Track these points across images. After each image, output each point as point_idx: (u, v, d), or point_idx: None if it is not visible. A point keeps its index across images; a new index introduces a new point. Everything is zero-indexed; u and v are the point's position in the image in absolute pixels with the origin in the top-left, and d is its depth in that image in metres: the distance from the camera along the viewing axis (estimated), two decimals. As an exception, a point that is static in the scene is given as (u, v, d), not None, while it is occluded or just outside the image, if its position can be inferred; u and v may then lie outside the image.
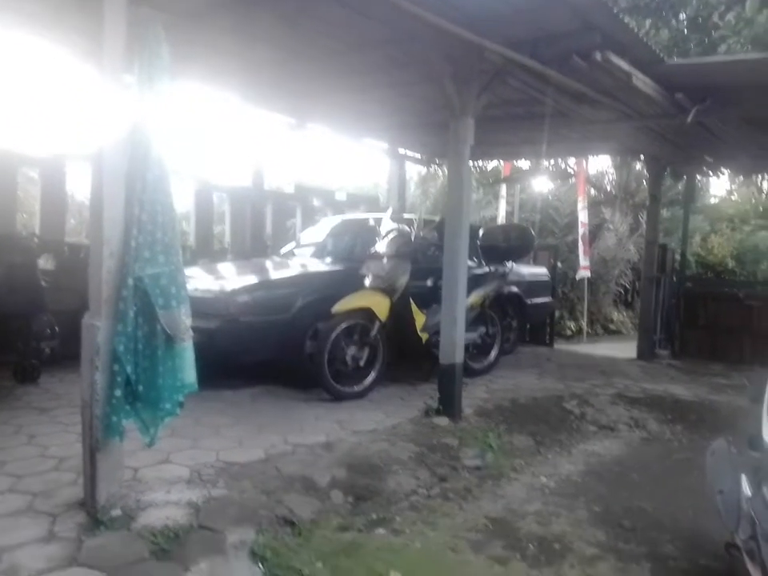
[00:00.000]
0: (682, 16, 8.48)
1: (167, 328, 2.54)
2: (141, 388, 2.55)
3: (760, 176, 14.61)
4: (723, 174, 8.64)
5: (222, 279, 4.95)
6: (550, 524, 2.99)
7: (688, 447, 4.27)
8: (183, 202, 7.25)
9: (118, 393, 2.46)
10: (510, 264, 6.07)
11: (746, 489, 2.04)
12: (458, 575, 2.49)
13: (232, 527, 2.59)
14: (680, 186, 10.13)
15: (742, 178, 11.62)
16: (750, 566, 1.95)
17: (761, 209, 14.88)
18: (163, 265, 2.54)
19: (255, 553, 2.48)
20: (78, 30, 4.00)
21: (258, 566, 2.43)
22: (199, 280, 4.87)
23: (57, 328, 4.83)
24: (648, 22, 7.41)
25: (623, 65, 4.10)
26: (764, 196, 15.43)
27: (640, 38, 4.18)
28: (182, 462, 3.16)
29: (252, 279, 4.91)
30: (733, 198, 16.94)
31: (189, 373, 2.67)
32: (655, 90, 4.58)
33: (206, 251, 7.04)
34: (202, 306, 4.28)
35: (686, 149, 6.53)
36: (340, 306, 4.50)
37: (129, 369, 2.47)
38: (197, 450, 3.37)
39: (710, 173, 8.40)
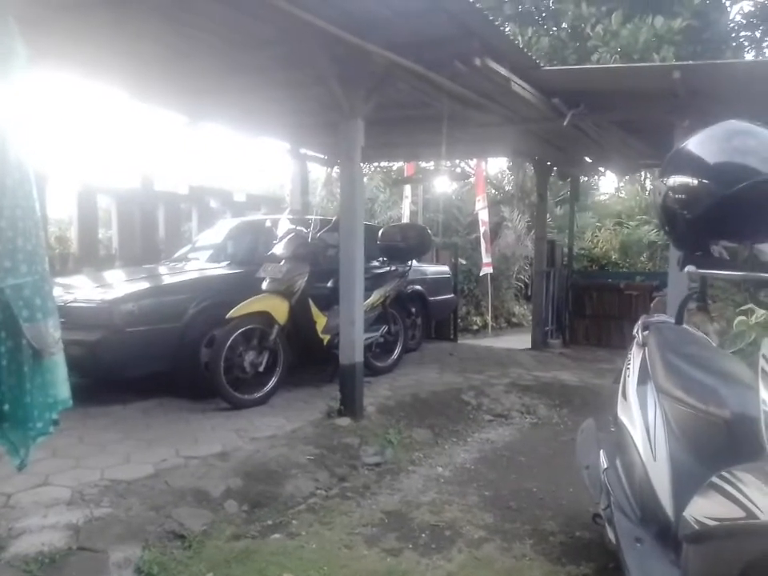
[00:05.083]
0: (564, 25, 9.07)
1: (33, 342, 2.38)
2: (7, 407, 2.37)
3: (643, 175, 15.90)
4: (604, 174, 9.32)
5: (107, 287, 4.67)
6: (442, 512, 3.10)
7: (572, 429, 4.56)
8: (64, 207, 6.79)
9: (-19, 414, 2.29)
10: (410, 263, 6.21)
11: (604, 462, 2.24)
12: (350, 571, 2.52)
13: (116, 546, 2.48)
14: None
15: (627, 177, 12.56)
16: (608, 532, 2.14)
17: (644, 205, 16.17)
18: (26, 275, 2.38)
19: (141, 570, 2.40)
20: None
21: (144, 583, 2.35)
22: (81, 289, 4.58)
23: None
24: (530, 30, 7.86)
25: (502, 70, 4.32)
26: (647, 193, 16.81)
27: (516, 45, 4.44)
28: (63, 483, 2.97)
29: (139, 286, 4.67)
30: (620, 195, 18.29)
31: (61, 389, 2.51)
32: (533, 95, 4.86)
33: (92, 259, 6.60)
34: (82, 318, 4.06)
35: (568, 151, 6.99)
36: (235, 312, 4.40)
37: (-9, 387, 2.29)
38: (80, 469, 3.18)
39: (593, 173, 9.03)
